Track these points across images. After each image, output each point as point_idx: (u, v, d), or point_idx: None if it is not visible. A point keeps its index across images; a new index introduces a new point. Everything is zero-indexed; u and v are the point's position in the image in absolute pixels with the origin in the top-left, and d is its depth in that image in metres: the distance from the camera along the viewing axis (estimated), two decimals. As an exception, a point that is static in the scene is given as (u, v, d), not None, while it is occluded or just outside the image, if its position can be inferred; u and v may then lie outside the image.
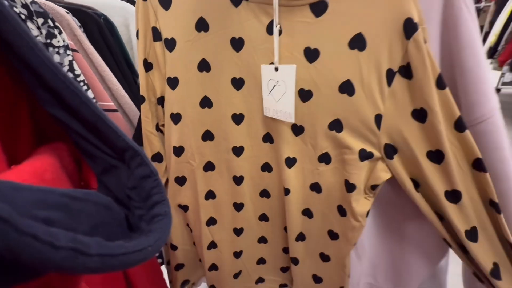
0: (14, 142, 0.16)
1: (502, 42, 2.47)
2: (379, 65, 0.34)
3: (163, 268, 0.62)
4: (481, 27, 4.16)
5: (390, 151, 0.38)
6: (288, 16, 0.35)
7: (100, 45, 0.48)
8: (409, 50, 0.32)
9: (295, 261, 0.51)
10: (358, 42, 0.34)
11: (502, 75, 2.63)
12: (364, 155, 0.39)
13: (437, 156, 0.36)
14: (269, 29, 0.36)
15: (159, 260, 0.61)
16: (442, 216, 0.38)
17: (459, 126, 0.34)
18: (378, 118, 0.36)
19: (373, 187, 0.41)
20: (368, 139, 0.38)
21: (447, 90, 0.33)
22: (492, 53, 2.61)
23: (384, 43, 0.33)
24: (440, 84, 0.33)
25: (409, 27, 0.31)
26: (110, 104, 0.48)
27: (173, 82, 0.42)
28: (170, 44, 0.40)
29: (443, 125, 0.35)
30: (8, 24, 0.12)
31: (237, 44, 0.39)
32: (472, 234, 0.38)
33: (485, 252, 0.39)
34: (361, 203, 0.42)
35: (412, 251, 0.48)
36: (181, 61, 0.41)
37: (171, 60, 0.41)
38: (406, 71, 0.34)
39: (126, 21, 0.57)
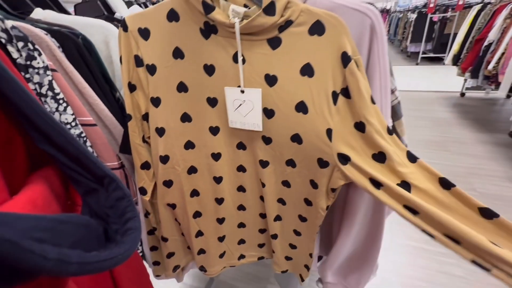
0: (12, 171, 0.19)
1: (464, 51, 2.67)
2: (325, 88, 0.41)
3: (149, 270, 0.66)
4: (448, 35, 4.46)
5: (342, 159, 0.44)
6: (249, 48, 0.41)
7: (79, 63, 0.50)
8: (347, 76, 0.39)
9: (275, 236, 0.61)
10: (307, 70, 0.41)
11: (465, 81, 2.84)
12: (322, 164, 0.46)
13: (380, 156, 0.42)
14: (235, 58, 0.42)
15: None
16: (415, 210, 0.41)
17: (390, 131, 0.42)
18: (329, 132, 0.43)
19: (333, 190, 0.49)
20: (324, 150, 0.45)
21: (376, 105, 0.41)
22: (456, 60, 2.80)
23: (328, 71, 0.40)
24: (372, 100, 0.41)
25: (345, 59, 0.38)
26: (89, 119, 0.51)
27: (156, 101, 0.48)
28: (152, 69, 0.46)
29: (382, 132, 0.42)
30: (8, 85, 0.16)
31: (209, 69, 0.45)
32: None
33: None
34: (323, 200, 0.50)
35: (335, 226, 0.60)
36: (162, 84, 0.47)
37: (153, 83, 0.47)
38: (346, 92, 0.41)
39: (105, 38, 0.60)
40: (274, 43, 0.40)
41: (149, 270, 0.69)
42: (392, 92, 0.60)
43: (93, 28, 0.58)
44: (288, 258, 0.65)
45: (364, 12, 0.39)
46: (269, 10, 0.37)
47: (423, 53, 4.93)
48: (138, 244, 0.19)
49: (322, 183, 0.48)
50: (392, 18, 7.32)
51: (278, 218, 0.59)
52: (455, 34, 3.25)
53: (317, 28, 0.39)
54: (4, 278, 0.14)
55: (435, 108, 2.79)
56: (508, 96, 2.60)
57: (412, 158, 0.43)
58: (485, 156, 1.89)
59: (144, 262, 0.68)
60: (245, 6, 0.40)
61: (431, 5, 4.60)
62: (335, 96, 0.41)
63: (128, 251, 0.18)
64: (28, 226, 0.13)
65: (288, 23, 0.39)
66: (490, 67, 2.15)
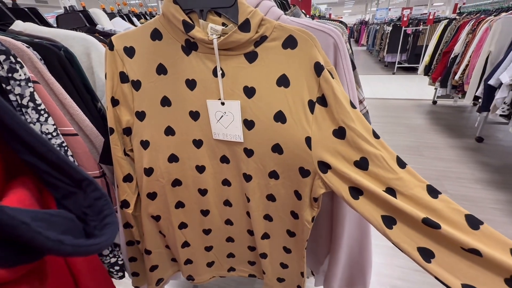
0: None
1: (434, 62, 2.85)
2: (301, 97, 0.44)
3: (127, 279, 0.66)
4: (421, 47, 4.75)
5: (323, 167, 0.45)
6: (228, 63, 0.45)
7: (60, 75, 0.52)
8: (321, 84, 0.42)
9: (264, 255, 0.61)
10: (283, 81, 0.44)
11: (436, 90, 3.04)
12: (304, 173, 0.48)
13: (362, 163, 0.42)
14: (214, 73, 0.46)
15: (120, 274, 0.64)
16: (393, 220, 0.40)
17: (376, 135, 0.42)
18: (308, 140, 0.45)
19: (315, 199, 0.49)
20: (304, 158, 0.46)
21: (357, 109, 0.43)
22: (427, 70, 2.99)
23: (303, 81, 0.43)
24: (352, 105, 0.43)
25: (318, 68, 0.41)
26: (70, 129, 0.52)
27: (141, 115, 0.50)
28: (136, 85, 0.49)
29: (365, 136, 0.41)
30: None
31: (191, 84, 0.47)
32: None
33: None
34: (308, 211, 0.51)
35: (322, 225, 0.61)
36: (147, 98, 0.49)
37: (138, 98, 0.49)
38: (322, 100, 0.43)
39: (87, 50, 0.61)
40: (251, 57, 0.44)
41: (129, 280, 0.69)
42: (361, 102, 0.66)
43: (74, 40, 0.60)
44: (280, 280, 0.63)
45: (327, 33, 0.44)
46: (244, 27, 0.41)
47: (399, 63, 5.23)
48: (116, 235, 0.22)
49: (305, 194, 0.49)
50: (370, 29, 7.70)
51: (266, 236, 0.58)
52: (427, 46, 3.48)
53: (290, 42, 0.42)
54: (17, 256, 0.16)
55: (411, 115, 2.96)
56: (474, 104, 2.80)
57: (401, 164, 0.41)
58: (455, 159, 2.03)
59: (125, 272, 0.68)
60: (223, 24, 0.43)
61: (405, 19, 4.91)
62: (311, 104, 0.44)
63: (108, 240, 0.20)
64: (30, 216, 0.16)
65: (263, 39, 0.43)
66: (456, 77, 2.33)
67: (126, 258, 0.64)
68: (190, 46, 0.45)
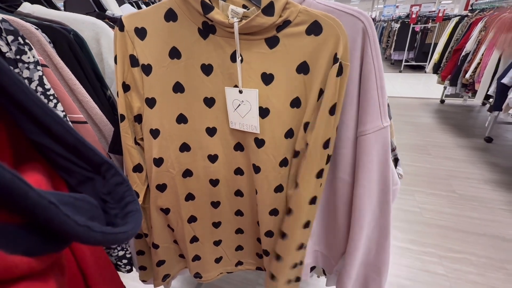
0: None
1: (444, 60, 2.80)
2: (317, 85, 0.42)
3: (134, 273, 0.64)
4: (429, 45, 4.68)
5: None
6: (247, 48, 0.42)
7: (70, 59, 0.49)
8: (328, 77, 0.41)
9: (266, 253, 0.59)
10: (303, 68, 0.42)
11: (445, 88, 2.99)
12: (296, 154, 0.48)
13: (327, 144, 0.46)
14: (233, 58, 0.43)
15: (128, 267, 0.62)
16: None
17: (326, 145, 0.45)
18: (306, 125, 0.45)
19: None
20: (300, 141, 0.47)
21: (334, 116, 0.43)
22: (436, 69, 2.94)
23: (321, 69, 0.41)
24: (332, 111, 0.43)
25: (334, 60, 0.40)
26: (80, 116, 0.50)
27: (151, 102, 0.47)
28: (147, 69, 0.45)
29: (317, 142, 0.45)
30: (6, 76, 0.16)
31: (207, 69, 0.45)
32: None
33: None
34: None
35: (339, 226, 0.58)
36: (158, 84, 0.46)
37: (149, 83, 0.46)
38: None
39: (96, 35, 0.59)
40: (272, 42, 0.41)
41: (136, 274, 0.67)
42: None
43: (84, 25, 0.57)
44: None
45: (356, 16, 0.41)
46: (268, 10, 0.38)
47: (406, 61, 5.14)
48: (141, 223, 0.20)
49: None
50: (377, 26, 7.59)
51: (269, 233, 0.56)
52: (436, 44, 3.42)
53: (315, 28, 0.40)
54: (45, 244, 0.15)
55: (418, 113, 2.91)
56: (483, 104, 2.76)
57: (320, 175, 0.47)
58: (464, 159, 1.99)
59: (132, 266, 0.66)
60: (244, 6, 0.41)
61: (414, 16, 4.82)
62: (320, 93, 0.43)
63: (134, 228, 0.18)
64: (56, 198, 0.14)
65: (286, 23, 0.40)
66: (467, 76, 2.28)
67: (134, 251, 0.63)
68: (207, 29, 0.42)
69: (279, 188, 0.52)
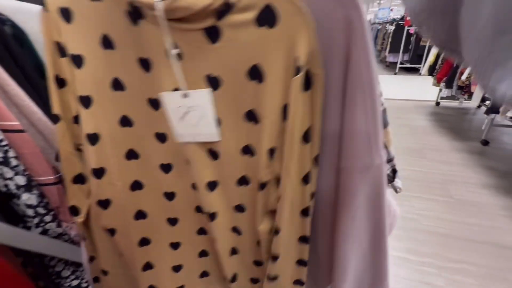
0: None
1: (439, 62, 2.78)
2: (276, 99, 0.34)
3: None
4: (424, 47, 4.68)
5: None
6: (186, 40, 0.33)
7: (2, 55, 0.41)
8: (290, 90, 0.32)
9: (233, 279, 0.51)
10: (255, 74, 0.33)
11: (440, 90, 2.96)
12: (261, 186, 0.40)
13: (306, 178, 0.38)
14: (168, 53, 0.34)
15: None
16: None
17: (306, 180, 0.37)
18: (272, 152, 0.37)
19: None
20: (265, 171, 0.38)
21: (310, 145, 0.35)
22: (431, 70, 2.92)
23: (281, 77, 0.32)
24: (306, 139, 0.34)
25: (296, 68, 0.30)
26: (15, 123, 0.42)
27: (86, 101, 0.38)
28: (78, 61, 0.36)
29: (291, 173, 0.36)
30: None
31: (145, 64, 0.36)
32: None
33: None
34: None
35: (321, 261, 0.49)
36: (92, 79, 0.37)
37: (81, 78, 0.37)
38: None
39: (44, 28, 0.51)
40: (213, 34, 0.31)
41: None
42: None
43: (29, 15, 0.49)
44: None
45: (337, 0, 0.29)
46: None
47: (401, 63, 5.13)
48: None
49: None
50: (371, 29, 7.61)
51: (233, 251, 0.48)
52: (430, 46, 3.40)
53: (267, 17, 0.29)
54: None
55: (413, 116, 2.87)
56: (479, 106, 2.73)
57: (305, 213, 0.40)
58: (460, 163, 1.94)
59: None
60: None
61: (408, 18, 4.82)
62: (286, 111, 0.33)
63: None
64: None
65: (227, 7, 0.30)
66: (463, 77, 2.24)
67: (91, 278, 0.54)
68: (135, 13, 0.32)
69: (239, 208, 0.45)
